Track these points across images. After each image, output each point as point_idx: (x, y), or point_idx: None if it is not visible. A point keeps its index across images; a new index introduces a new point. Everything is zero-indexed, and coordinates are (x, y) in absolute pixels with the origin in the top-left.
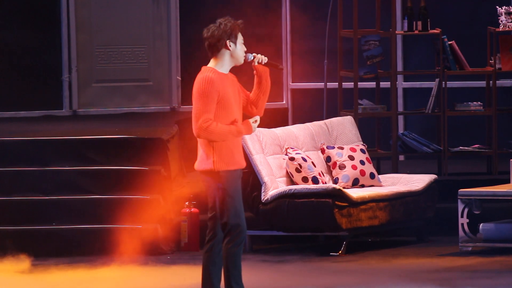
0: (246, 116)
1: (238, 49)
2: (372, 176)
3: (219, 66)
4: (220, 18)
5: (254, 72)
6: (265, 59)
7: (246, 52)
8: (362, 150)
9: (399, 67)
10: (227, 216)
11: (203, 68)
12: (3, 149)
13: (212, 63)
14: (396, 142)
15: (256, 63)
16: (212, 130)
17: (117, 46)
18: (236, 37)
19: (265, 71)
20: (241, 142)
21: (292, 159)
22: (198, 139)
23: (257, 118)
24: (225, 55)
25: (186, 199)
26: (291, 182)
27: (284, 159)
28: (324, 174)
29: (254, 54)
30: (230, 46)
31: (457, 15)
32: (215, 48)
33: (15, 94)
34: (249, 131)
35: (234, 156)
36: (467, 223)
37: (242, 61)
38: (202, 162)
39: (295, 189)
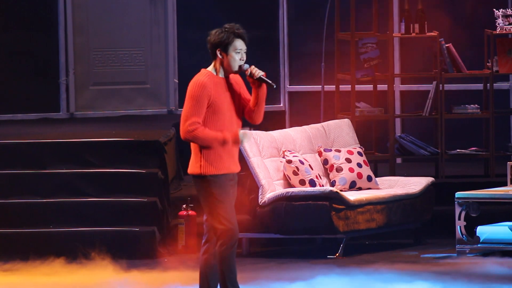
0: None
1: (231, 58)
2: (369, 178)
3: (217, 70)
4: (227, 24)
5: (250, 81)
6: (257, 74)
7: (243, 61)
8: (359, 153)
9: (397, 70)
10: (217, 221)
11: (202, 70)
12: (0, 151)
13: (211, 66)
14: (394, 145)
15: (249, 75)
16: (196, 135)
17: (114, 48)
18: (229, 47)
19: (262, 87)
20: (234, 147)
21: (289, 161)
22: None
23: (246, 130)
24: (220, 61)
25: (183, 202)
26: (288, 185)
27: (281, 161)
28: (321, 177)
29: (248, 66)
30: (219, 55)
31: (454, 17)
32: (211, 53)
33: (13, 96)
34: (237, 143)
35: (223, 161)
36: (464, 225)
37: (234, 70)
38: (192, 165)
39: (292, 191)
